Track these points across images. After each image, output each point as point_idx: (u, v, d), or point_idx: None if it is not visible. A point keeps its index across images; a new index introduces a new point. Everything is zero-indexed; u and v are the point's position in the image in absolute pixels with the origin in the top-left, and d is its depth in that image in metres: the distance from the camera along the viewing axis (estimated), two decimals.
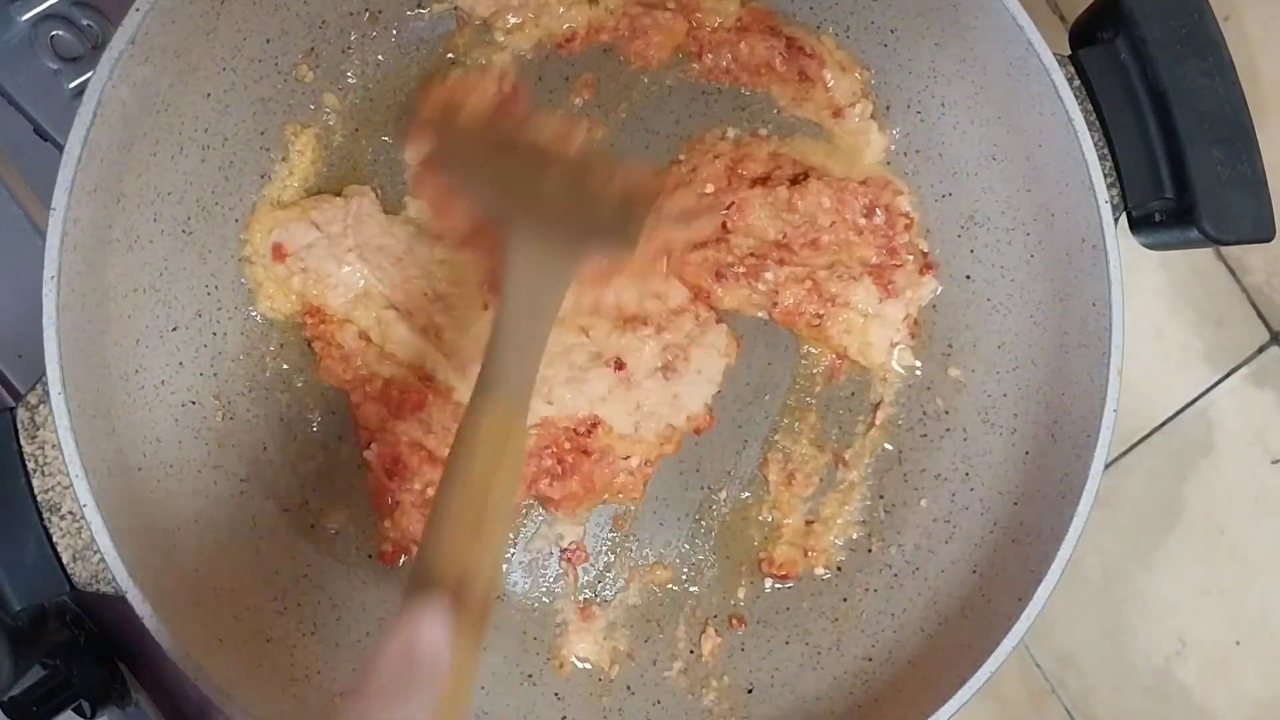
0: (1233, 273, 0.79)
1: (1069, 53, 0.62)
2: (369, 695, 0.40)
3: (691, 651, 0.66)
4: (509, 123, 0.59)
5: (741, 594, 0.67)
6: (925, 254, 0.67)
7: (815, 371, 0.68)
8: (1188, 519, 0.78)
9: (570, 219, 0.55)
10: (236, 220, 0.63)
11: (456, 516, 0.46)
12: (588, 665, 0.65)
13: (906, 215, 0.67)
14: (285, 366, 0.65)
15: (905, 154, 0.68)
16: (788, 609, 0.67)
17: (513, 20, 0.67)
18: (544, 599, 0.66)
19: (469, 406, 0.49)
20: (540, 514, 0.66)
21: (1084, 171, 0.58)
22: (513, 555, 0.66)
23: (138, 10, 0.52)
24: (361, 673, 0.42)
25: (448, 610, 0.42)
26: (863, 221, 0.67)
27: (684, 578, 0.67)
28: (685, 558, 0.67)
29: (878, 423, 0.68)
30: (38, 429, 0.53)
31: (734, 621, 0.67)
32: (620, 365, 0.65)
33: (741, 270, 0.67)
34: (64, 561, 0.53)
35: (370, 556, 0.65)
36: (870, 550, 0.67)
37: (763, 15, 0.67)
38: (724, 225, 0.67)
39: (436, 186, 0.58)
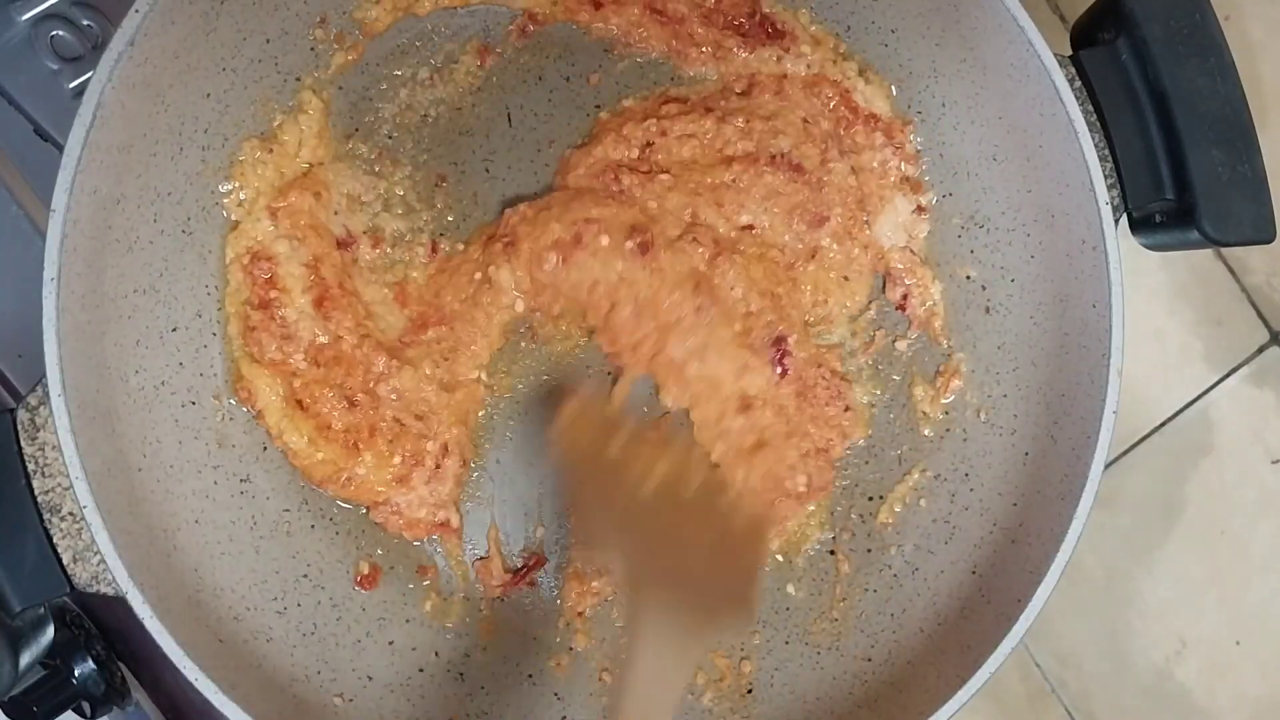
0: (1233, 273, 0.79)
1: (1070, 53, 0.61)
2: None
3: None
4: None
5: None
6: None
7: None
8: (1188, 519, 0.78)
9: (703, 592, 0.53)
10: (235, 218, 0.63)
11: None
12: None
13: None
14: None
15: None
16: (787, 609, 0.67)
17: None
18: (545, 600, 0.66)
19: None
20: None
21: (1084, 172, 0.58)
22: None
23: (137, 11, 0.52)
24: None
25: None
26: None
27: None
28: None
29: None
30: (38, 430, 0.53)
31: None
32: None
33: None
34: (64, 562, 0.53)
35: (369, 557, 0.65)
36: (870, 550, 0.67)
37: None
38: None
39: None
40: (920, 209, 0.67)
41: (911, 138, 0.67)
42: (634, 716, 0.50)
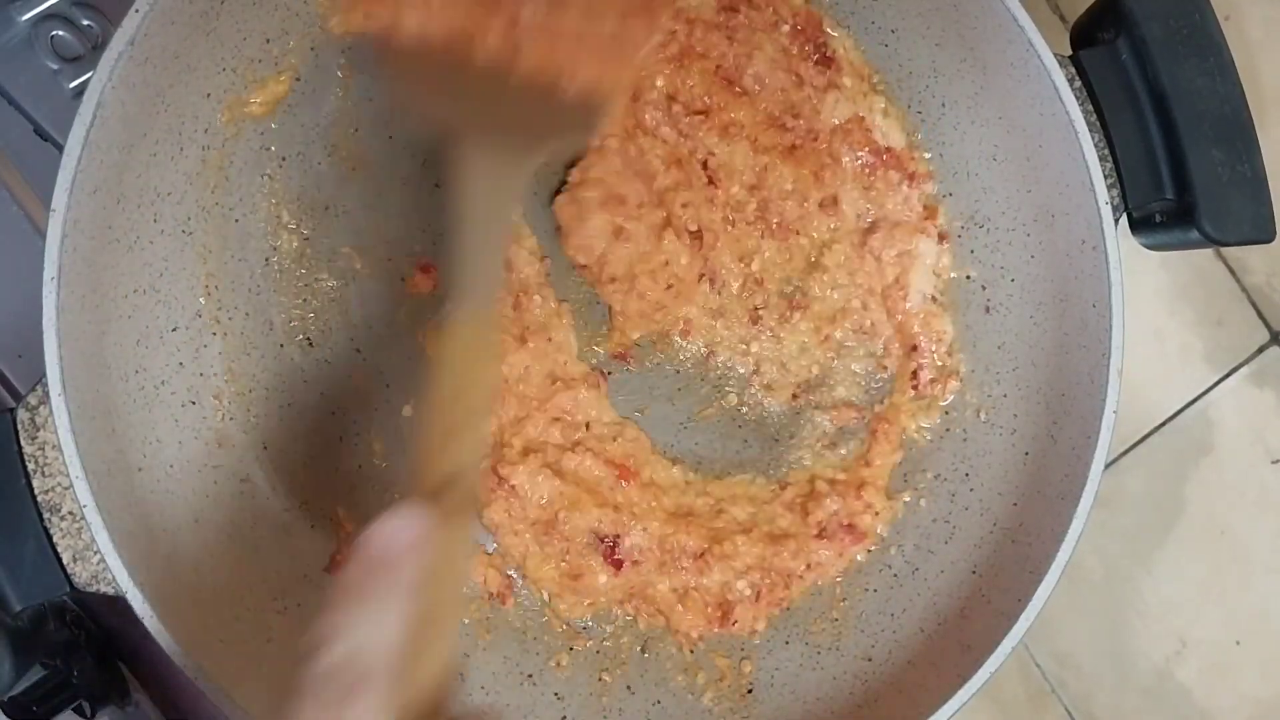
0: (1233, 273, 0.79)
1: (1069, 53, 0.61)
2: (337, 603, 0.39)
3: (691, 652, 0.66)
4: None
5: None
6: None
7: None
8: (1188, 519, 0.78)
9: (527, 119, 0.51)
10: (237, 221, 0.63)
11: (438, 428, 0.46)
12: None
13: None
14: (285, 366, 0.65)
15: None
16: (787, 609, 0.67)
17: None
18: (545, 600, 0.66)
19: (447, 321, 0.48)
20: None
21: (1084, 172, 0.58)
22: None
23: (137, 11, 0.52)
24: (331, 587, 0.41)
25: (420, 509, 0.42)
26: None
27: None
28: None
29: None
30: (38, 430, 0.53)
31: None
32: None
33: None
34: (64, 562, 0.53)
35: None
36: (870, 550, 0.67)
37: (816, 18, 0.66)
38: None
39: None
40: (942, 237, 0.67)
41: (924, 155, 0.67)
42: (475, 246, 0.49)
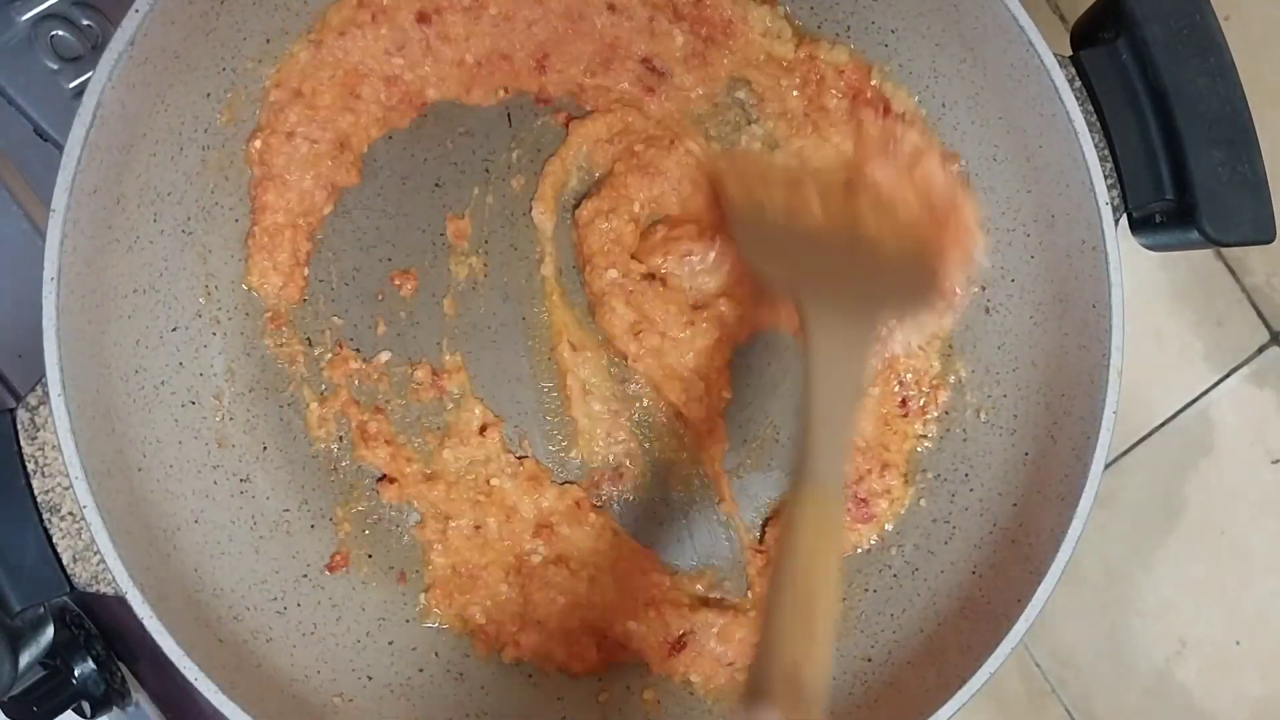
0: (1233, 273, 0.79)
1: (1070, 53, 0.61)
2: None
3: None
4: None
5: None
6: None
7: None
8: (1188, 519, 0.78)
9: (863, 283, 0.55)
10: (236, 220, 0.63)
11: (789, 613, 0.46)
12: None
13: None
14: (285, 367, 0.65)
15: None
16: None
17: None
18: None
19: (791, 497, 0.49)
20: None
21: (1084, 173, 0.58)
22: None
23: (137, 11, 0.52)
24: None
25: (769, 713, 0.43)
26: None
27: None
28: None
29: None
30: (38, 430, 0.53)
31: None
32: None
33: None
34: (64, 562, 0.53)
35: (370, 556, 0.65)
36: (870, 550, 0.67)
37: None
38: None
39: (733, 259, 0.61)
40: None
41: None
42: (821, 422, 0.50)
